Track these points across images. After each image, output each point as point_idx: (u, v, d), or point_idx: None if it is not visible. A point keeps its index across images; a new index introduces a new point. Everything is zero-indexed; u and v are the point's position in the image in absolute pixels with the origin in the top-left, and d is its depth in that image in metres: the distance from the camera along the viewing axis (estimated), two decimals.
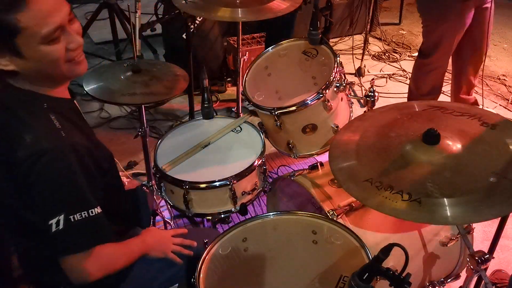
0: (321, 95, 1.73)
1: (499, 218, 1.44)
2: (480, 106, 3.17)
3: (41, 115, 1.14)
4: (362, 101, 1.89)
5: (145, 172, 2.44)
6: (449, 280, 1.81)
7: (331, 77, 1.76)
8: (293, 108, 1.76)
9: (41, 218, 1.11)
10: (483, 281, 1.51)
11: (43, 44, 1.09)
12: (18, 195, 1.13)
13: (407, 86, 3.74)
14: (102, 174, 1.26)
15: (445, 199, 1.12)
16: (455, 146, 1.26)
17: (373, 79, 1.99)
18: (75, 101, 1.33)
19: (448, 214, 1.10)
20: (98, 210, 1.17)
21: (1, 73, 1.12)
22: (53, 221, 1.10)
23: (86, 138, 1.23)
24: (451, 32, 2.72)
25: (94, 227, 1.17)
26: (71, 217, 1.11)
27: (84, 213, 1.13)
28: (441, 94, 3.14)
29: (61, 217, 1.10)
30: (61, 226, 1.10)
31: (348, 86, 1.84)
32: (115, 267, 1.27)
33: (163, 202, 2.28)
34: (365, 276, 1.03)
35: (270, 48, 2.04)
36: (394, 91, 3.72)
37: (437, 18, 2.71)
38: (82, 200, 1.15)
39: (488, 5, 2.66)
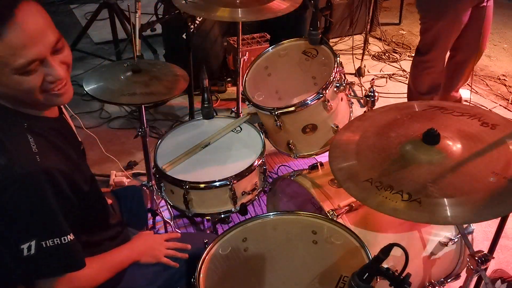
0: (321, 95, 1.73)
1: (499, 218, 1.44)
2: (466, 103, 3.20)
3: (19, 137, 1.11)
4: (362, 101, 1.89)
5: (145, 172, 2.44)
6: (449, 280, 1.81)
7: (331, 77, 1.76)
8: (293, 108, 1.76)
9: (12, 242, 1.09)
10: (483, 281, 1.51)
11: (16, 74, 1.04)
12: None
13: (407, 86, 3.76)
14: (81, 197, 1.23)
15: (445, 199, 1.12)
16: (455, 146, 1.26)
17: (373, 79, 1.99)
18: (64, 116, 1.29)
19: (448, 214, 1.10)
20: (70, 237, 1.14)
21: None
22: (25, 246, 1.08)
23: (66, 160, 1.19)
24: (448, 30, 2.73)
25: (66, 254, 1.15)
26: (43, 243, 1.09)
27: (56, 240, 1.11)
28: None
29: (33, 243, 1.08)
30: (32, 251, 1.08)
31: (348, 86, 1.84)
32: (97, 283, 1.25)
33: (163, 202, 2.28)
34: (365, 276, 1.03)
35: (270, 48, 2.04)
36: (394, 91, 3.72)
37: (434, 16, 2.73)
38: (54, 227, 1.12)
39: (485, 3, 2.67)
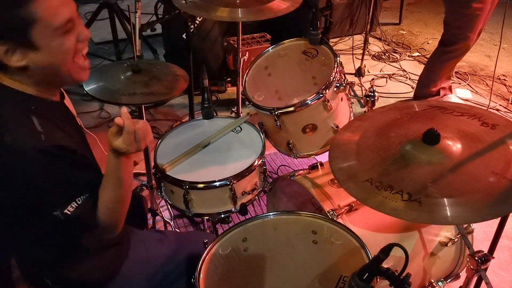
0: (321, 95, 1.73)
1: (499, 218, 1.44)
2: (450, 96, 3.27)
3: (23, 117, 1.13)
4: (362, 101, 1.89)
5: (145, 172, 2.44)
6: (449, 280, 1.81)
7: (331, 77, 1.76)
8: (293, 108, 1.76)
9: (44, 210, 1.13)
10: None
11: (57, 36, 1.11)
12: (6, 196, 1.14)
13: (407, 86, 3.77)
14: (89, 175, 1.24)
15: (445, 199, 1.12)
16: (455, 146, 1.26)
17: (373, 79, 1.99)
18: (65, 103, 1.32)
19: (448, 214, 1.10)
20: (83, 198, 1.17)
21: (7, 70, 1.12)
22: (57, 212, 1.12)
23: (71, 141, 1.21)
24: (478, 16, 2.80)
25: (87, 212, 1.19)
26: (73, 202, 1.13)
27: (74, 203, 1.14)
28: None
29: (59, 210, 1.12)
30: (70, 213, 1.13)
31: (348, 86, 1.84)
32: (124, 207, 1.27)
33: (163, 202, 2.28)
34: (365, 276, 1.03)
35: (270, 48, 2.04)
36: (394, 91, 3.72)
37: (465, 3, 2.77)
38: (72, 189, 1.16)
39: None
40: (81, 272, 1.32)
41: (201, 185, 1.67)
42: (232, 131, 1.94)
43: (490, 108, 3.33)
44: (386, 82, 3.89)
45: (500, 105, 3.53)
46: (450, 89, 3.39)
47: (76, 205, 1.14)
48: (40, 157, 1.10)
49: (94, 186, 1.21)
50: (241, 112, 2.69)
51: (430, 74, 3.16)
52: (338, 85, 1.80)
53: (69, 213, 1.13)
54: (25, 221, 1.18)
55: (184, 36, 3.19)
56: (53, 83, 1.21)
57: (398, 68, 4.10)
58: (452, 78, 3.56)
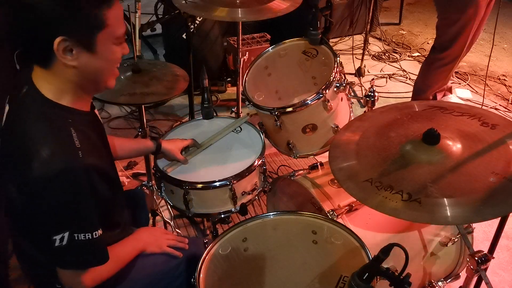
0: (321, 95, 1.73)
1: (499, 218, 1.44)
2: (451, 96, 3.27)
3: (63, 130, 1.13)
4: (362, 101, 1.89)
5: (145, 172, 2.44)
6: (449, 280, 1.81)
7: (331, 77, 1.76)
8: (293, 108, 1.76)
9: (45, 231, 1.12)
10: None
11: (114, 44, 1.16)
12: (26, 203, 1.13)
13: (407, 86, 3.77)
14: (112, 192, 1.27)
15: (445, 199, 1.12)
16: (455, 146, 1.26)
17: (373, 79, 1.99)
18: (95, 111, 1.33)
19: (448, 214, 1.10)
20: (99, 232, 1.17)
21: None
22: (58, 237, 1.10)
23: (102, 157, 1.24)
24: (469, 24, 2.76)
25: (95, 249, 1.19)
26: (75, 235, 1.12)
27: (88, 235, 1.14)
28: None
29: (66, 234, 1.11)
30: (64, 243, 1.11)
31: (348, 86, 1.84)
32: (110, 274, 1.29)
33: (163, 202, 2.28)
34: (365, 276, 1.03)
35: (270, 48, 2.04)
36: (394, 91, 3.72)
37: (456, 10, 2.75)
38: (88, 222, 1.15)
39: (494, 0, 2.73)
40: None
41: (201, 185, 1.67)
42: (232, 131, 1.94)
43: (484, 105, 3.32)
44: (386, 82, 3.89)
45: (500, 105, 3.53)
46: (450, 89, 3.39)
47: (90, 236, 1.14)
48: (76, 175, 1.10)
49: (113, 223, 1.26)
50: (241, 112, 2.69)
51: (425, 80, 3.14)
52: (338, 85, 1.80)
53: (76, 239, 1.12)
54: (40, 233, 1.16)
55: (184, 36, 3.19)
56: (88, 89, 1.22)
57: (398, 68, 4.10)
58: (452, 78, 3.56)
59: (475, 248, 1.40)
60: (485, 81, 3.51)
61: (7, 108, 1.21)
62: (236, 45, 2.84)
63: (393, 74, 3.99)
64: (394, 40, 4.60)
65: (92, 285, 1.22)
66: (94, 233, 1.15)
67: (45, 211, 1.10)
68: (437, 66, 2.99)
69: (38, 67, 1.15)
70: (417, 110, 1.49)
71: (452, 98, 3.40)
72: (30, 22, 1.06)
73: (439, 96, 3.22)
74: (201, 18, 3.29)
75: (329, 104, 1.76)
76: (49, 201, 1.09)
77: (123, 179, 2.68)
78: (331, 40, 4.43)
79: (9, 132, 1.17)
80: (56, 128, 1.12)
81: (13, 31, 1.10)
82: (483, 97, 3.29)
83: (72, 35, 1.08)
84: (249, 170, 1.72)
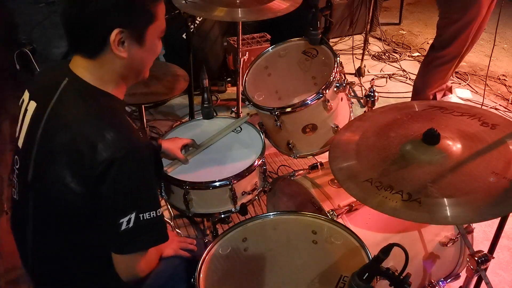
0: (321, 95, 1.73)
1: (499, 218, 1.44)
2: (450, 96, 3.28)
3: (121, 115, 1.18)
4: (362, 101, 1.89)
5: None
6: (449, 280, 1.81)
7: (331, 77, 1.76)
8: (293, 108, 1.76)
9: (112, 216, 1.12)
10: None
11: (158, 38, 1.22)
12: (85, 197, 1.12)
13: (407, 86, 3.77)
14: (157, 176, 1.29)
15: (445, 199, 1.12)
16: (455, 146, 1.26)
17: (373, 79, 1.99)
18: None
19: (448, 214, 1.10)
20: (161, 210, 1.19)
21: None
22: (125, 219, 1.11)
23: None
24: (470, 24, 2.76)
25: (159, 227, 1.21)
26: (141, 215, 1.13)
27: (153, 213, 1.15)
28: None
29: (133, 216, 1.12)
30: (131, 225, 1.12)
31: (348, 86, 1.84)
32: (154, 265, 1.32)
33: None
34: (365, 276, 1.03)
35: (270, 48, 2.04)
36: (394, 91, 3.72)
37: (457, 9, 2.74)
38: (153, 200, 1.18)
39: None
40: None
41: (201, 185, 1.67)
42: (232, 131, 1.94)
43: (484, 105, 3.32)
44: (386, 82, 3.89)
45: (500, 105, 3.53)
46: (450, 89, 3.39)
47: (154, 214, 1.16)
48: (143, 154, 1.13)
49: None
50: (241, 112, 2.69)
51: (424, 79, 3.14)
52: (338, 85, 1.80)
53: (141, 219, 1.13)
54: (106, 221, 1.15)
55: (184, 36, 3.19)
56: (128, 79, 1.25)
57: (398, 68, 4.10)
58: (452, 78, 3.56)
59: (475, 248, 1.40)
60: (485, 81, 3.51)
61: (33, 104, 1.21)
62: (236, 45, 2.84)
63: (393, 74, 3.99)
64: (394, 40, 4.60)
65: (146, 272, 1.25)
66: (158, 210, 1.17)
67: (115, 194, 1.11)
68: (436, 64, 2.99)
69: (80, 58, 1.17)
70: (417, 110, 1.49)
71: (452, 98, 3.40)
72: (91, 13, 1.09)
73: (438, 96, 3.22)
74: (201, 18, 3.29)
75: (329, 104, 1.76)
76: (120, 182, 1.10)
77: None
78: (331, 40, 4.43)
79: (58, 125, 1.15)
80: (113, 113, 1.16)
81: (69, 20, 1.12)
82: (483, 97, 3.30)
83: (128, 27, 1.12)
84: (249, 170, 1.71)
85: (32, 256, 1.32)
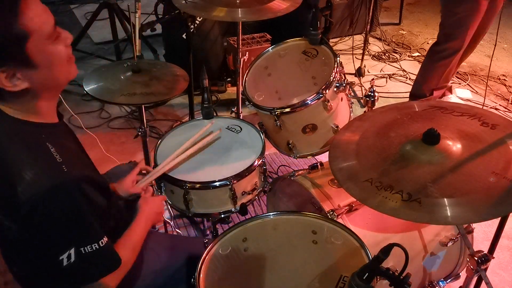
0: (321, 95, 1.73)
1: (499, 218, 1.44)
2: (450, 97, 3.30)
3: (39, 148, 1.09)
4: (362, 101, 1.89)
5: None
6: (449, 280, 1.81)
7: (331, 77, 1.76)
8: (293, 108, 1.76)
9: (51, 254, 1.08)
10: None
11: (50, 45, 1.07)
12: (21, 233, 1.08)
13: (407, 86, 3.77)
14: (108, 197, 1.24)
15: (445, 199, 1.12)
16: (455, 146, 1.26)
17: (373, 79, 1.99)
18: (64, 121, 1.29)
19: (448, 214, 1.10)
20: (105, 239, 1.15)
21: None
22: (64, 256, 1.07)
23: (85, 164, 1.21)
24: (468, 17, 2.81)
25: (105, 257, 1.16)
26: (82, 249, 1.09)
27: (95, 245, 1.11)
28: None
29: (72, 251, 1.08)
30: (72, 259, 1.08)
31: (348, 86, 1.84)
32: (131, 263, 1.27)
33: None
34: (365, 276, 1.03)
35: (270, 48, 2.04)
36: (394, 91, 3.72)
37: (456, 3, 2.80)
38: (91, 233, 1.12)
39: None
40: None
41: (201, 185, 1.67)
42: (232, 131, 1.93)
43: (485, 105, 3.32)
44: (386, 82, 3.89)
45: (500, 105, 3.53)
46: (450, 89, 3.40)
47: (97, 246, 1.11)
48: (66, 191, 1.06)
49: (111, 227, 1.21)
50: (241, 112, 2.69)
51: (424, 74, 3.19)
52: (338, 85, 1.80)
53: (84, 252, 1.09)
54: (45, 258, 1.11)
55: (184, 36, 3.19)
56: (51, 97, 1.17)
57: (398, 68, 4.10)
58: (452, 78, 3.56)
59: (475, 248, 1.40)
60: (486, 82, 3.51)
61: None
62: (236, 45, 2.84)
63: (393, 74, 3.99)
64: (394, 40, 4.60)
65: (117, 282, 1.21)
66: (100, 242, 1.12)
67: (43, 234, 1.06)
68: (436, 58, 3.04)
69: None
70: (417, 110, 1.49)
71: (452, 98, 3.40)
72: None
73: (436, 93, 3.24)
74: (201, 18, 3.29)
75: (329, 104, 1.76)
76: (44, 222, 1.05)
77: None
78: (331, 40, 4.43)
79: None
80: (33, 147, 1.08)
81: None
82: (484, 97, 3.29)
83: (3, 62, 1.02)
84: (249, 170, 1.72)
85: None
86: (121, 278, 1.22)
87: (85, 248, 1.10)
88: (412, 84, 3.34)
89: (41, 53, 1.05)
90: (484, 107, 3.26)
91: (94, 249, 1.11)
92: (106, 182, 1.29)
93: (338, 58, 1.82)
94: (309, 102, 1.74)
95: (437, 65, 3.05)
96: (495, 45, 3.04)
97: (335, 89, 1.80)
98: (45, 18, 1.06)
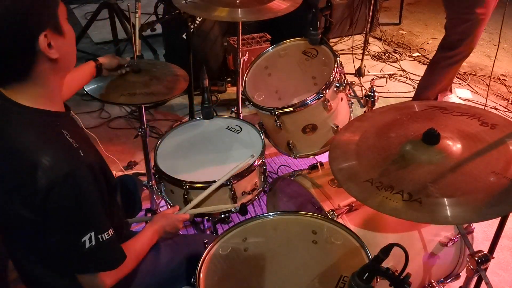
0: (321, 95, 1.74)
1: (499, 218, 1.44)
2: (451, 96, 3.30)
3: (56, 134, 1.09)
4: (362, 101, 1.89)
5: (145, 172, 2.44)
6: (449, 280, 1.81)
7: (331, 77, 1.76)
8: (293, 108, 1.76)
9: (72, 237, 1.09)
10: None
11: (67, 20, 1.11)
12: (38, 221, 1.08)
13: (407, 86, 3.77)
14: (112, 189, 1.24)
15: (445, 199, 1.12)
16: (455, 146, 1.26)
17: (373, 79, 1.99)
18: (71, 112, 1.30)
19: (448, 214, 1.10)
20: (112, 231, 1.15)
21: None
22: (86, 237, 1.08)
23: (97, 154, 1.21)
24: (480, 23, 2.77)
25: (116, 248, 1.19)
26: (99, 236, 1.11)
27: (107, 235, 1.13)
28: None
29: (92, 234, 1.09)
30: (93, 243, 1.09)
31: (348, 86, 1.84)
32: (130, 270, 1.28)
33: (163, 202, 2.28)
34: (365, 276, 1.03)
35: (270, 48, 2.04)
36: (394, 91, 3.72)
37: (467, 9, 2.75)
38: (103, 221, 1.14)
39: None
40: None
41: (201, 185, 1.67)
42: (232, 131, 1.94)
43: (487, 106, 3.32)
44: (386, 82, 3.89)
45: (500, 105, 3.53)
46: (450, 89, 3.39)
47: (107, 236, 1.13)
48: (83, 175, 1.06)
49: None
50: (241, 112, 2.69)
51: (430, 78, 3.14)
52: (338, 85, 1.80)
53: (101, 240, 1.11)
54: (67, 241, 1.11)
55: (184, 36, 3.19)
56: (62, 78, 1.16)
57: (398, 68, 4.10)
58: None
59: (475, 248, 1.40)
60: (489, 82, 3.51)
61: None
62: (236, 45, 2.84)
63: (393, 74, 3.99)
64: (394, 40, 4.60)
65: (113, 282, 1.20)
66: (110, 231, 1.14)
67: (63, 217, 1.07)
68: (445, 65, 3.00)
69: (10, 86, 1.09)
70: (417, 110, 1.49)
71: (452, 98, 3.40)
72: (8, 34, 1.00)
73: (440, 97, 3.23)
74: (201, 18, 3.29)
75: (329, 104, 1.76)
76: (64, 205, 1.06)
77: None
78: (331, 40, 4.43)
79: None
80: (49, 133, 1.09)
81: None
82: (486, 97, 3.29)
83: (47, 25, 1.04)
84: (249, 170, 1.72)
85: (14, 264, 1.31)
86: (117, 280, 1.22)
87: (102, 235, 1.11)
88: (416, 88, 3.30)
89: (65, 23, 1.10)
90: (486, 108, 3.26)
91: (107, 238, 1.12)
92: (113, 175, 1.29)
93: (338, 58, 1.82)
94: (309, 102, 1.74)
95: (448, 70, 3.01)
96: (498, 46, 3.02)
97: (335, 89, 1.80)
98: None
